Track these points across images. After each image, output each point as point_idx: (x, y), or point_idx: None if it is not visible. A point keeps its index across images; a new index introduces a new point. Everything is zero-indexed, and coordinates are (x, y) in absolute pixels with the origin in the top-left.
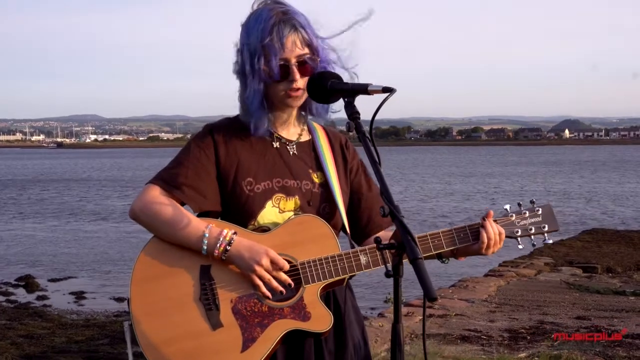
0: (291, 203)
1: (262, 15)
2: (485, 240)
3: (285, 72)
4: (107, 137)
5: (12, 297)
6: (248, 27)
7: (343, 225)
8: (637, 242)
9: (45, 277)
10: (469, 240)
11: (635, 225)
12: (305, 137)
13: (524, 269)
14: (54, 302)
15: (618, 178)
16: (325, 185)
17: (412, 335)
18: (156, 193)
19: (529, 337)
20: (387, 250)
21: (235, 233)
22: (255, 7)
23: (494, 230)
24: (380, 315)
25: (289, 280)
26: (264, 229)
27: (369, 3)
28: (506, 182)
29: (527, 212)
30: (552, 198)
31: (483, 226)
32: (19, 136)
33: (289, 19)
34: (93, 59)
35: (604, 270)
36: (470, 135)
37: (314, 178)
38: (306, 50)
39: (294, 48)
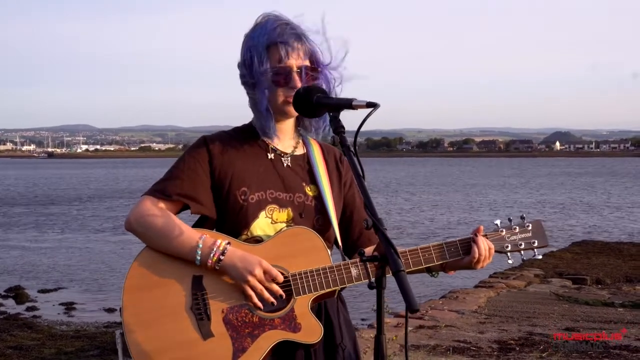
0: (284, 215)
1: (267, 25)
2: (477, 255)
3: (286, 79)
4: (98, 147)
5: (1, 308)
6: (253, 37)
7: (336, 238)
8: (626, 254)
9: (35, 288)
10: (459, 254)
11: (625, 237)
12: (300, 150)
13: (513, 280)
14: (44, 313)
15: (609, 189)
16: (319, 198)
17: (401, 346)
18: (151, 204)
19: (518, 348)
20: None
21: (228, 243)
22: (259, 21)
23: (484, 245)
24: (371, 326)
25: (280, 291)
26: (256, 240)
27: (360, 16)
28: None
29: (517, 227)
30: (545, 210)
31: (474, 241)
32: (9, 146)
33: (293, 29)
34: (85, 68)
35: (593, 282)
36: (462, 147)
37: (307, 191)
38: (307, 61)
39: (297, 57)
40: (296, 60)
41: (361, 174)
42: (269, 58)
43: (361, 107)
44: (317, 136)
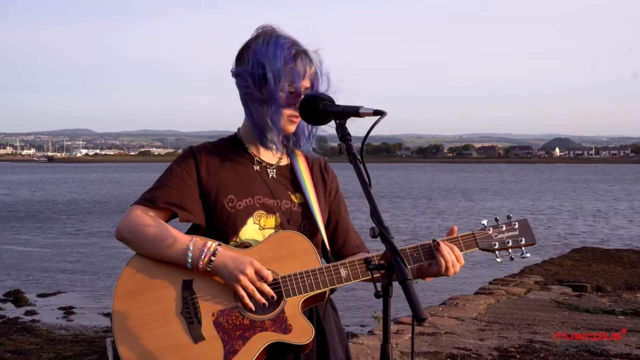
0: (272, 220)
1: (279, 42)
2: (443, 264)
3: (296, 101)
4: (98, 151)
5: (0, 312)
6: (268, 53)
7: (323, 243)
8: (626, 261)
9: (34, 291)
10: (421, 259)
11: (625, 244)
12: (285, 161)
13: (514, 287)
14: (43, 317)
15: (608, 196)
16: (305, 205)
17: (402, 354)
18: (141, 212)
19: (518, 356)
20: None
21: (219, 245)
22: (260, 32)
23: (449, 253)
24: (370, 332)
25: (272, 292)
26: (245, 245)
27: (361, 21)
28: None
29: (504, 225)
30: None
31: (437, 249)
32: (9, 150)
33: (305, 51)
34: (85, 72)
35: (593, 289)
36: (461, 153)
37: (293, 198)
38: (309, 84)
39: (307, 79)
40: (305, 83)
41: (368, 182)
42: (287, 78)
43: (368, 114)
44: (302, 149)
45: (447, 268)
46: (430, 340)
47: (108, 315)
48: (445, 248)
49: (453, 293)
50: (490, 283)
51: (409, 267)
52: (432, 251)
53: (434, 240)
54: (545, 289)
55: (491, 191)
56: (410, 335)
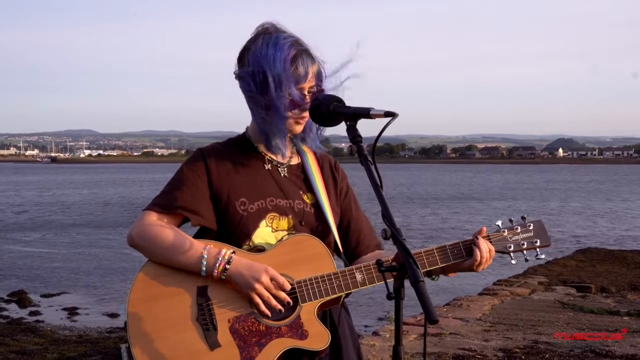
0: (284, 222)
1: (278, 42)
2: (478, 258)
3: (301, 102)
4: (101, 152)
5: (5, 313)
6: (267, 55)
7: (335, 244)
8: (630, 261)
9: (38, 292)
10: (462, 256)
11: (629, 245)
12: (295, 160)
13: (518, 287)
14: (47, 318)
15: (612, 197)
16: (317, 205)
17: (406, 354)
18: (153, 218)
19: (523, 357)
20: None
21: (233, 252)
22: (260, 30)
23: (485, 248)
24: (375, 333)
25: (287, 298)
26: (258, 249)
27: (364, 22)
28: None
29: (519, 227)
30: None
31: (475, 244)
32: (12, 150)
33: (306, 50)
34: (88, 73)
35: (597, 290)
36: (465, 153)
37: (305, 199)
38: (314, 82)
39: (311, 79)
40: (310, 83)
41: (379, 183)
42: (289, 80)
43: (379, 116)
44: (309, 146)
45: (480, 263)
46: (434, 340)
47: (112, 315)
48: (483, 243)
49: (457, 294)
50: (494, 284)
51: (443, 264)
52: (470, 248)
53: (476, 237)
54: (550, 289)
55: (497, 193)
56: (414, 336)
